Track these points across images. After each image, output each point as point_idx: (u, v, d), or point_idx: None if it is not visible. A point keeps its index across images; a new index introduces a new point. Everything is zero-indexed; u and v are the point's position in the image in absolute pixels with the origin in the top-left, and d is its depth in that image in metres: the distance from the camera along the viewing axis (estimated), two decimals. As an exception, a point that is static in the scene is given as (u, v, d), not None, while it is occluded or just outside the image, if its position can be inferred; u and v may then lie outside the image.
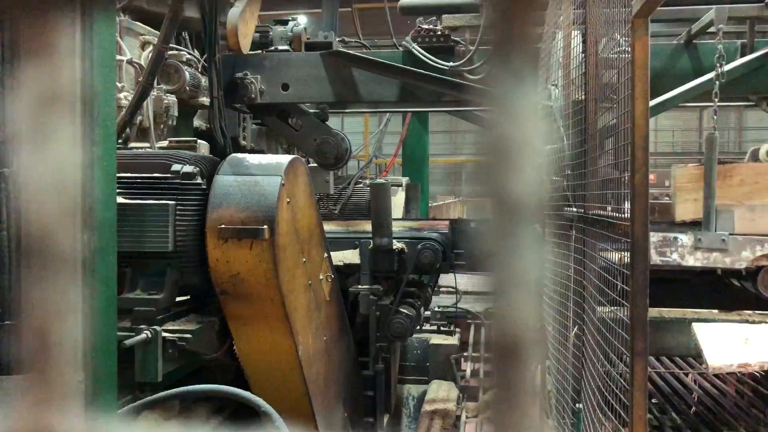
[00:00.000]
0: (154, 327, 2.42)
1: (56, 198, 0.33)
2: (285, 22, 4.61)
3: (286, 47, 4.53)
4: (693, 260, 3.35)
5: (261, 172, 2.67)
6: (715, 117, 3.39)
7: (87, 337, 1.79)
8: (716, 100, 3.34)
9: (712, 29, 3.99)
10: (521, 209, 0.32)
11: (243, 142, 4.67)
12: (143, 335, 2.37)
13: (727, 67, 3.56)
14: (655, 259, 3.29)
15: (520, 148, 0.32)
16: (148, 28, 3.73)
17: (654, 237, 3.32)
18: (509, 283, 0.33)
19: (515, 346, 0.33)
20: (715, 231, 3.35)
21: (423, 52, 4.35)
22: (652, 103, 2.48)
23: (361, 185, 5.40)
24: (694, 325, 3.07)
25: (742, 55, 4.14)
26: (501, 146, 0.32)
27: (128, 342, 2.32)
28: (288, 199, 2.70)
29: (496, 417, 0.33)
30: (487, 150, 0.32)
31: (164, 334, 2.44)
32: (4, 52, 1.91)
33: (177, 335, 2.47)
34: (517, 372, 0.33)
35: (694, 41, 4.26)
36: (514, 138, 0.32)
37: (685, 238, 3.34)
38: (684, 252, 3.34)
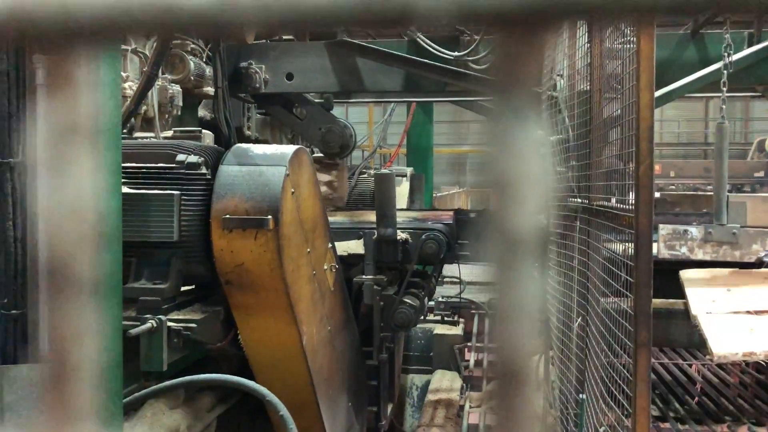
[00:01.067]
0: (159, 316, 2.43)
1: (76, 224, 0.34)
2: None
3: (290, 36, 4.51)
4: (702, 254, 3.32)
5: (265, 162, 2.67)
6: (723, 106, 3.36)
7: (101, 314, 1.80)
8: (724, 89, 3.31)
9: (718, 19, 3.96)
10: (522, 244, 0.33)
11: (247, 132, 4.67)
12: (148, 324, 2.39)
13: (734, 57, 3.53)
14: (663, 252, 3.27)
15: (521, 184, 0.33)
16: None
17: (663, 230, 3.29)
18: (511, 314, 0.34)
19: (517, 374, 0.34)
20: (727, 223, 3.30)
21: (428, 41, 4.33)
22: (657, 93, 2.46)
23: (365, 175, 5.40)
24: (682, 272, 3.05)
25: (749, 45, 4.11)
26: (503, 182, 0.33)
27: (133, 331, 2.33)
28: (292, 189, 2.70)
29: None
30: (489, 186, 0.33)
31: (169, 324, 2.45)
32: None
33: (182, 325, 2.49)
34: (518, 399, 0.34)
35: (700, 31, 4.23)
36: (515, 175, 0.33)
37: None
38: (693, 245, 3.31)
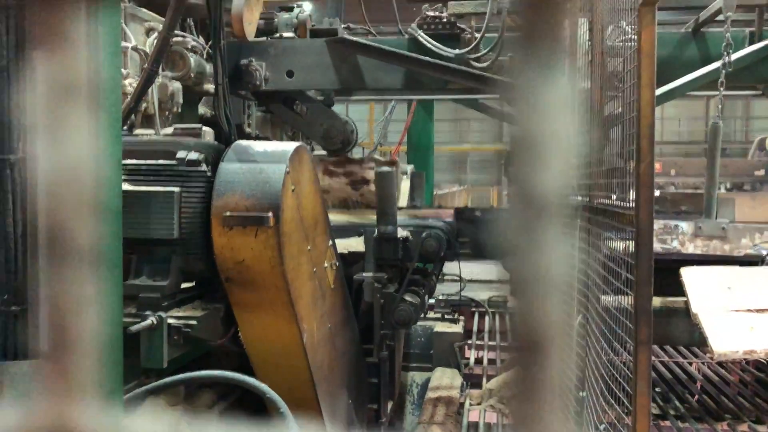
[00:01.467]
0: (160, 313, 2.43)
1: (72, 189, 0.33)
2: (290, 9, 4.59)
3: (290, 34, 4.51)
4: (693, 248, 3.35)
5: (266, 159, 2.67)
6: (720, 106, 3.38)
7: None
8: (722, 89, 3.32)
9: (720, 17, 3.95)
10: (547, 204, 0.31)
11: (248, 129, 4.67)
12: (148, 321, 2.39)
13: (734, 56, 3.53)
14: (656, 246, 3.30)
15: (547, 141, 0.31)
16: (153, 14, 3.72)
17: (655, 225, 3.31)
18: (532, 279, 0.32)
19: (539, 343, 0.32)
20: (716, 219, 3.34)
21: (429, 39, 4.33)
22: (658, 92, 2.46)
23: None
24: (683, 270, 3.06)
25: (751, 43, 4.10)
26: (528, 140, 0.31)
27: (133, 328, 2.33)
28: (293, 187, 2.70)
29: (517, 412, 0.33)
30: (514, 143, 0.31)
31: (169, 321, 2.45)
32: (9, 40, 1.91)
33: (182, 321, 2.49)
34: (540, 369, 0.33)
35: (701, 29, 4.22)
36: (541, 131, 0.31)
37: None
38: (684, 239, 3.34)
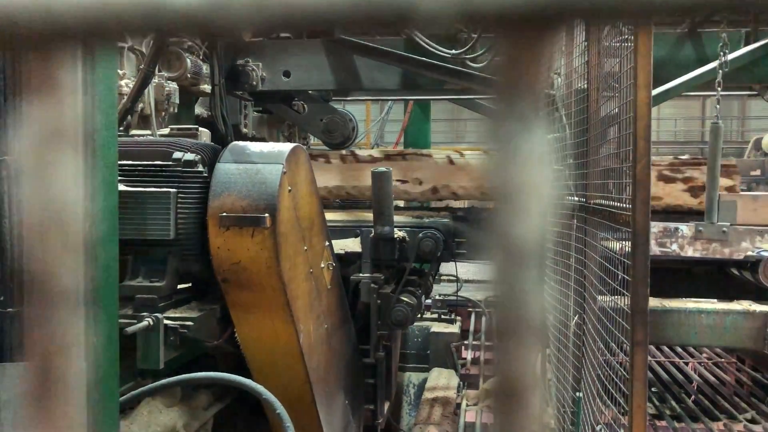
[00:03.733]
0: (156, 314, 2.42)
1: (58, 233, 0.33)
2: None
3: (287, 34, 4.50)
4: (692, 251, 3.34)
5: (262, 160, 2.67)
6: (718, 106, 3.38)
7: (89, 324, 1.80)
8: (719, 89, 3.32)
9: (716, 18, 3.96)
10: (525, 254, 0.32)
11: (244, 130, 4.67)
12: (145, 322, 2.38)
13: (730, 56, 3.54)
14: (654, 249, 3.28)
15: (525, 192, 0.31)
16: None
17: (654, 227, 3.31)
18: (512, 327, 0.33)
19: (518, 391, 0.33)
20: (717, 222, 3.33)
21: (425, 39, 4.33)
22: (654, 92, 2.47)
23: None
24: None
25: (747, 44, 4.11)
26: (506, 191, 0.31)
27: (130, 329, 2.32)
28: (289, 187, 2.70)
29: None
30: (493, 194, 0.32)
31: (166, 322, 2.45)
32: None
33: (178, 322, 2.48)
34: (520, 418, 0.33)
35: (698, 30, 4.23)
36: (519, 183, 0.31)
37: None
38: (684, 243, 3.33)
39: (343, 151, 4.26)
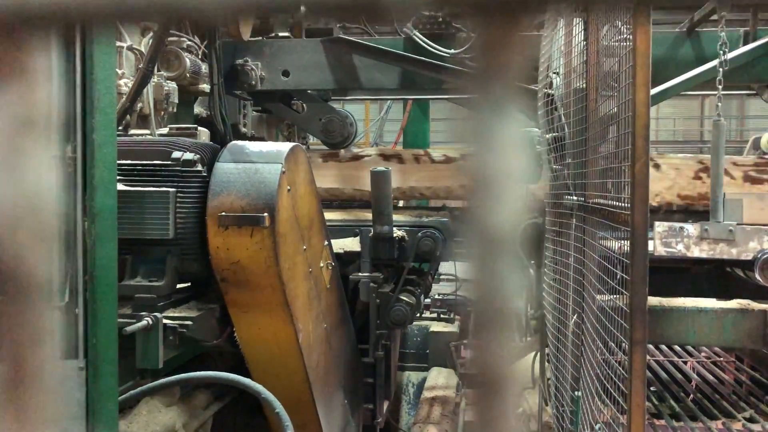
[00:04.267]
0: (155, 314, 2.42)
1: (31, 223, 0.32)
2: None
3: (286, 33, 4.51)
4: (698, 251, 3.30)
5: (261, 159, 2.67)
6: (719, 104, 3.36)
7: (87, 323, 1.80)
8: (720, 87, 3.31)
9: (714, 17, 3.96)
10: (501, 242, 0.31)
11: (243, 129, 4.66)
12: (144, 322, 2.38)
13: (729, 56, 3.54)
14: (660, 249, 3.25)
15: (501, 180, 0.31)
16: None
17: (659, 227, 3.28)
18: (490, 318, 0.32)
19: (496, 380, 0.33)
20: (723, 221, 3.30)
21: (424, 39, 4.33)
22: (653, 91, 2.47)
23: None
24: None
25: (745, 43, 4.12)
26: (482, 178, 0.31)
27: (129, 329, 2.32)
28: (288, 187, 2.70)
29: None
30: (469, 181, 0.32)
31: (165, 321, 2.45)
32: None
33: (178, 322, 2.48)
34: (498, 407, 0.33)
35: (696, 29, 4.23)
36: (495, 170, 0.31)
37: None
38: (690, 243, 3.30)
39: (421, 151, 4.32)
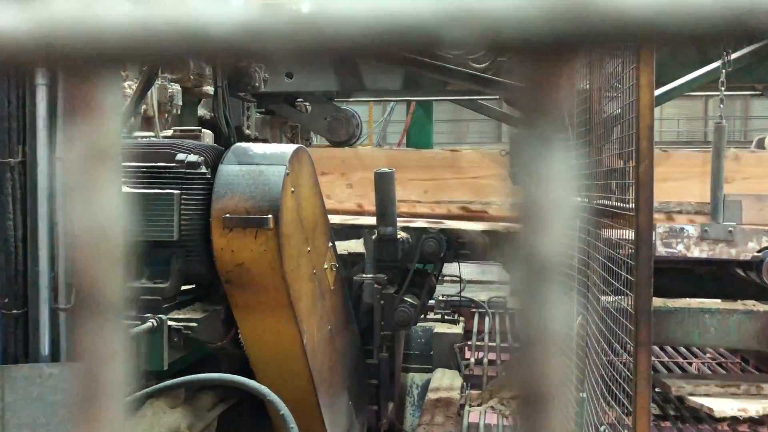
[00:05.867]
0: (160, 315, 2.43)
1: (106, 248, 0.35)
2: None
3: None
4: (698, 251, 3.32)
5: (265, 161, 2.67)
6: (722, 106, 3.37)
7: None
8: (723, 88, 3.32)
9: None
10: (549, 271, 0.33)
11: (247, 131, 4.67)
12: (149, 324, 2.39)
13: (733, 56, 3.54)
14: (660, 250, 3.26)
15: (549, 211, 0.32)
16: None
17: (660, 228, 3.29)
18: (538, 345, 0.34)
19: (540, 401, 0.34)
20: (723, 222, 3.31)
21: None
22: (657, 92, 2.47)
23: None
24: None
25: (749, 44, 4.10)
26: (530, 211, 0.33)
27: (134, 330, 2.33)
28: (292, 189, 2.70)
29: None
30: (518, 214, 0.33)
31: (170, 323, 2.45)
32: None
33: (183, 324, 2.49)
34: (542, 428, 0.34)
35: (700, 30, 4.22)
36: (543, 202, 0.32)
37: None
38: (690, 243, 3.31)
39: None
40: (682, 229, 3.35)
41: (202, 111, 4.35)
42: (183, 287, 2.74)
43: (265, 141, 4.87)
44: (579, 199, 2.98)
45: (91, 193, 0.35)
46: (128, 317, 0.37)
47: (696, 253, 3.34)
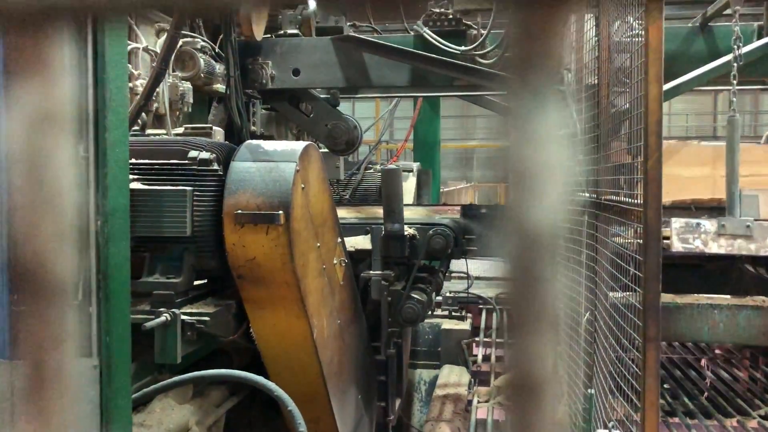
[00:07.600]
0: (173, 310, 2.46)
1: (51, 222, 0.31)
2: (294, 6, 4.59)
3: (295, 30, 4.52)
4: (716, 247, 3.28)
5: (276, 158, 2.69)
6: (734, 99, 3.35)
7: (101, 322, 1.82)
8: (735, 82, 3.30)
9: (728, 11, 3.94)
10: (541, 241, 0.30)
11: (253, 128, 4.69)
12: (162, 318, 2.41)
13: (743, 50, 3.52)
14: (677, 246, 3.23)
15: (541, 171, 0.29)
16: (163, 14, 3.74)
17: (676, 223, 3.27)
18: (526, 319, 0.31)
19: (532, 386, 0.31)
20: (740, 216, 3.28)
21: (434, 36, 4.33)
22: (665, 87, 2.46)
23: (371, 170, 5.40)
24: None
25: (759, 37, 4.09)
26: (522, 169, 0.30)
27: (148, 324, 2.36)
28: (302, 185, 2.72)
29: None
30: (508, 172, 0.30)
31: (183, 317, 2.48)
32: None
33: (195, 318, 2.51)
34: (534, 413, 0.31)
35: (709, 24, 4.21)
36: (535, 161, 0.29)
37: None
38: (707, 239, 3.28)
39: None
40: (698, 224, 3.32)
41: (210, 117, 4.35)
42: (195, 282, 2.76)
43: (271, 137, 4.89)
44: (571, 161, 2.95)
45: (37, 162, 0.30)
46: (72, 297, 0.32)
47: (714, 248, 3.30)
